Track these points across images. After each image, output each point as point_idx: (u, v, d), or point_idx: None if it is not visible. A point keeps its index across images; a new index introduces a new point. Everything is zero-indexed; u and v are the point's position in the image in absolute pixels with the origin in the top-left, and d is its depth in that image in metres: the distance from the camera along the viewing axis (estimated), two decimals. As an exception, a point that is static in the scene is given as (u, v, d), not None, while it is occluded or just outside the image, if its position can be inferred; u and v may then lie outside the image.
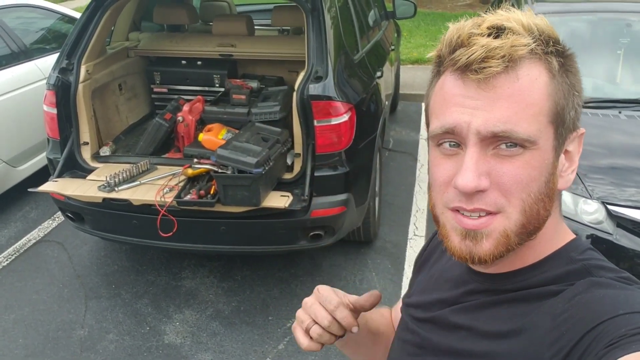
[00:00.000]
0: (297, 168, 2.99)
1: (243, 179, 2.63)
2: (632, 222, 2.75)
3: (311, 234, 3.02)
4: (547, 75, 0.64)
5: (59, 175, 3.06)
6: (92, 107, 3.24)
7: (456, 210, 0.66)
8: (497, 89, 0.62)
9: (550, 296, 0.66)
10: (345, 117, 2.92)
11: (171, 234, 2.82)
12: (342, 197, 3.00)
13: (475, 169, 0.63)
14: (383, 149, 4.16)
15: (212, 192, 2.76)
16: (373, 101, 3.51)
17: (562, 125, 0.66)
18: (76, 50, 3.18)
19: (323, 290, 0.85)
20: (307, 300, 0.85)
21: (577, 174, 2.98)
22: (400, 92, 6.66)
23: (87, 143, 3.18)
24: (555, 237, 0.71)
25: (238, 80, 3.63)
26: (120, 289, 3.44)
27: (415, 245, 3.83)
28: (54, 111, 3.12)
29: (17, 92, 4.19)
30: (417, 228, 4.05)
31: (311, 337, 0.83)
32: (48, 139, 3.25)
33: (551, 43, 0.65)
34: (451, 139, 0.65)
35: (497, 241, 0.65)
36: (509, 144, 0.63)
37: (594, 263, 0.68)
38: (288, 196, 2.82)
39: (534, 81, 0.63)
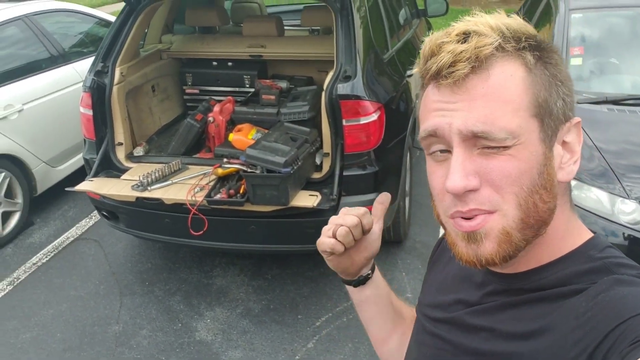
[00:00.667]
0: (326, 167, 3.00)
1: (272, 178, 2.66)
2: (672, 222, 2.66)
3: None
4: (523, 70, 0.64)
5: (95, 175, 3.15)
6: (127, 109, 3.32)
7: (455, 216, 0.66)
8: (470, 91, 0.63)
9: (572, 295, 0.66)
10: (374, 117, 2.91)
11: (202, 232, 2.86)
12: (371, 196, 2.99)
13: (461, 169, 0.63)
14: (414, 148, 4.12)
15: (241, 191, 2.79)
16: (403, 100, 3.49)
17: (548, 116, 0.66)
18: (111, 53, 3.27)
19: (350, 208, 0.91)
20: (334, 217, 0.89)
21: (614, 173, 2.89)
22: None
23: (121, 143, 3.26)
24: (569, 235, 0.70)
25: (267, 80, 3.66)
26: (154, 286, 3.52)
27: (446, 245, 3.78)
28: (90, 112, 3.21)
29: (56, 94, 4.33)
30: (448, 228, 3.99)
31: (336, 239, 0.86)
32: (84, 140, 3.34)
33: (524, 39, 0.65)
34: (439, 144, 0.67)
35: (499, 239, 0.65)
36: (490, 142, 0.63)
37: (614, 261, 0.68)
38: (317, 195, 2.83)
39: (509, 78, 0.64)
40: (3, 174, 3.89)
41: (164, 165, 3.06)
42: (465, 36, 0.64)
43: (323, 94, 2.88)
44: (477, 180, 0.63)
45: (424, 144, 0.68)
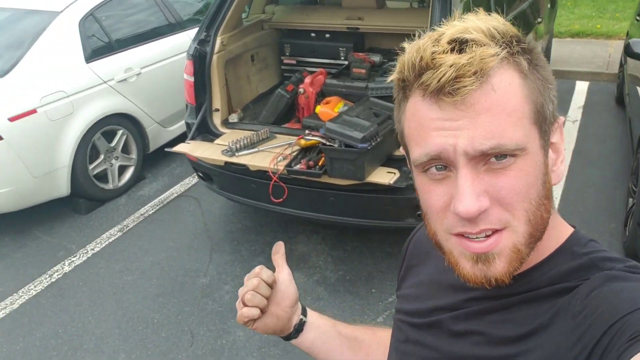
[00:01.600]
0: (409, 145, 2.94)
1: (349, 152, 2.68)
2: None
3: (419, 212, 2.97)
4: (519, 77, 0.61)
5: (192, 138, 3.38)
6: (225, 77, 3.49)
7: (460, 234, 0.64)
8: (474, 106, 0.59)
9: (561, 294, 0.65)
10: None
11: (282, 200, 2.98)
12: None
13: (472, 191, 0.60)
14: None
15: (320, 163, 2.85)
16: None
17: (544, 122, 0.64)
18: (214, 22, 3.44)
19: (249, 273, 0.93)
20: (240, 288, 0.92)
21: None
22: (553, 67, 6.12)
23: (218, 110, 3.45)
24: (553, 233, 0.68)
25: (361, 54, 3.64)
26: (241, 245, 3.73)
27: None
28: (192, 79, 3.42)
29: (171, 60, 4.65)
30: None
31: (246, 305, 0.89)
32: (186, 105, 3.58)
33: (515, 43, 0.61)
34: (438, 164, 0.63)
35: (510, 257, 0.63)
36: (498, 156, 0.60)
37: (599, 255, 0.66)
38: (395, 173, 2.81)
39: (508, 87, 0.60)
40: (121, 131, 4.30)
41: (253, 132, 3.20)
42: (459, 45, 0.59)
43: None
44: (487, 200, 0.61)
45: (421, 164, 0.64)
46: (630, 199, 3.46)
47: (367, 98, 3.07)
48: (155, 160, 4.83)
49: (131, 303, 3.28)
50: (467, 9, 2.99)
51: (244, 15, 3.85)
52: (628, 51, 3.60)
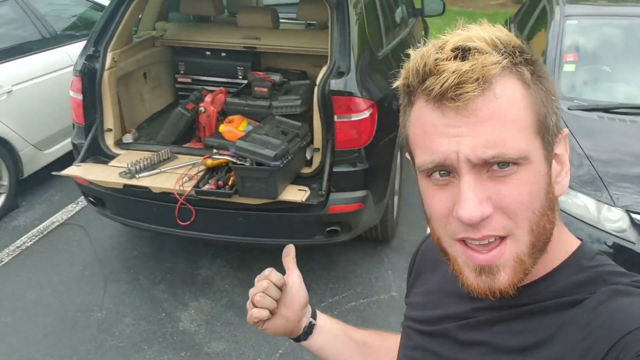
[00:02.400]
0: (316, 163, 2.99)
1: (261, 171, 2.65)
2: (657, 231, 2.68)
3: (328, 229, 3.02)
4: (521, 87, 0.62)
5: (83, 160, 3.12)
6: (117, 95, 3.29)
7: (463, 240, 0.64)
8: (477, 112, 0.60)
9: (567, 307, 0.65)
10: (366, 114, 2.90)
11: (189, 222, 2.85)
12: (360, 193, 2.99)
13: (475, 197, 0.61)
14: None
15: (230, 183, 2.78)
16: (396, 99, 3.47)
17: (547, 132, 0.64)
18: (103, 37, 3.23)
19: (259, 275, 0.96)
20: (251, 289, 0.95)
21: (602, 181, 2.90)
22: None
23: (110, 130, 3.23)
24: (560, 245, 0.69)
25: (261, 73, 3.64)
26: (139, 274, 3.50)
27: (432, 245, 3.80)
28: (80, 97, 3.17)
29: (46, 77, 4.28)
30: (435, 228, 4.01)
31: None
32: (73, 124, 3.31)
33: (517, 53, 0.62)
34: (442, 169, 0.64)
35: (514, 269, 0.64)
36: (501, 164, 0.61)
37: (606, 269, 0.67)
38: (306, 190, 2.83)
39: (510, 96, 0.61)
40: (-11, 155, 3.85)
41: (153, 153, 3.04)
42: (462, 52, 0.60)
43: (316, 89, 2.87)
44: (490, 206, 0.61)
45: (425, 169, 0.65)
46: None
47: (273, 117, 3.07)
48: (30, 186, 4.38)
49: (15, 348, 2.92)
50: (361, 33, 3.12)
51: (133, 31, 3.67)
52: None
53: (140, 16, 3.73)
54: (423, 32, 5.82)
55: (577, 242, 0.71)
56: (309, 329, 0.99)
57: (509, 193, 0.61)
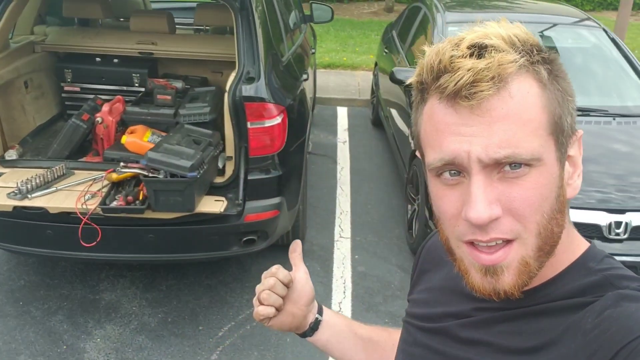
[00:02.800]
0: (229, 171, 2.90)
1: (176, 183, 2.51)
2: None
3: (244, 239, 2.94)
4: (537, 86, 0.61)
5: (-42, 182, 2.73)
6: (-4, 107, 2.93)
7: (471, 242, 0.63)
8: (491, 112, 0.59)
9: (573, 310, 0.64)
10: (278, 120, 2.87)
11: (95, 243, 2.61)
12: (275, 200, 2.95)
13: (484, 198, 0.60)
14: (309, 153, 4.16)
15: (140, 197, 2.60)
16: (301, 104, 3.50)
17: (561, 134, 0.63)
18: (-24, 43, 2.86)
19: (266, 271, 0.94)
20: (257, 285, 0.93)
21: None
22: (316, 95, 6.71)
23: (-10, 146, 2.87)
24: (569, 248, 0.69)
25: (161, 80, 3.45)
26: (30, 305, 3.14)
27: (341, 247, 3.86)
28: (-50, 110, 2.78)
29: None
30: (342, 230, 4.08)
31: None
32: (-58, 141, 2.89)
33: (535, 51, 0.61)
34: (452, 169, 0.63)
35: (518, 270, 0.63)
36: (513, 165, 0.60)
37: (614, 273, 0.66)
38: (223, 201, 2.73)
39: (526, 95, 0.60)
40: None
41: (45, 170, 2.75)
42: (478, 50, 0.59)
43: (226, 95, 2.78)
44: (499, 208, 0.60)
45: (435, 168, 0.64)
46: (410, 206, 3.98)
47: (182, 125, 2.92)
48: None
49: None
50: (266, 38, 3.09)
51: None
52: (392, 78, 4.12)
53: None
54: (313, 38, 5.92)
55: (586, 244, 0.71)
56: (315, 325, 0.98)
57: (519, 195, 0.60)
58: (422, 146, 0.67)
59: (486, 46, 0.59)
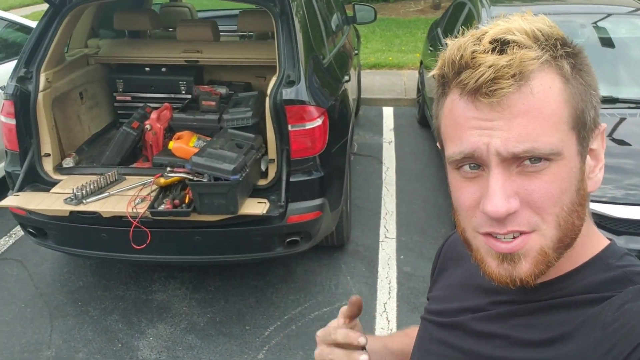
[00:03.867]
0: (271, 174, 2.95)
1: (220, 186, 2.58)
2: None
3: (287, 240, 2.98)
4: (560, 81, 0.61)
5: (20, 189, 2.91)
6: (53, 117, 3.10)
7: (488, 234, 0.64)
8: (511, 108, 0.59)
9: (591, 303, 0.64)
10: (319, 122, 2.90)
11: (144, 245, 2.72)
12: (317, 201, 2.98)
13: (502, 192, 0.60)
14: (352, 154, 4.17)
15: (186, 201, 2.69)
16: (343, 105, 3.52)
17: (583, 128, 0.63)
18: (34, 58, 3.04)
19: (320, 331, 0.85)
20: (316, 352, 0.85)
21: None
22: (361, 96, 6.71)
23: (48, 154, 3.04)
24: (588, 242, 0.69)
25: (206, 86, 3.56)
26: (88, 305, 3.30)
27: (387, 247, 3.85)
28: (13, 122, 2.96)
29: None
30: (387, 230, 4.07)
31: None
32: (6, 151, 3.08)
33: (559, 46, 0.61)
34: (471, 162, 0.63)
35: (536, 260, 0.63)
36: (533, 159, 0.60)
37: (634, 269, 0.66)
38: (265, 203, 2.78)
39: (547, 90, 0.60)
40: None
41: (99, 176, 2.89)
42: (500, 45, 0.59)
43: (267, 99, 2.84)
44: (517, 202, 0.60)
45: (454, 161, 0.64)
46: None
47: (225, 130, 3.00)
48: (-45, 222, 4.04)
49: (-43, 399, 2.66)
50: (306, 41, 3.13)
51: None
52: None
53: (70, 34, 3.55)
54: (356, 39, 5.92)
55: (606, 242, 0.71)
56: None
57: (538, 188, 0.60)
58: (443, 139, 0.68)
59: (508, 42, 0.59)
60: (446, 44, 0.64)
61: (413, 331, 1.01)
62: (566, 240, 0.63)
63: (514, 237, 0.62)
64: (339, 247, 3.76)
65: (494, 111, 0.59)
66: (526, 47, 0.59)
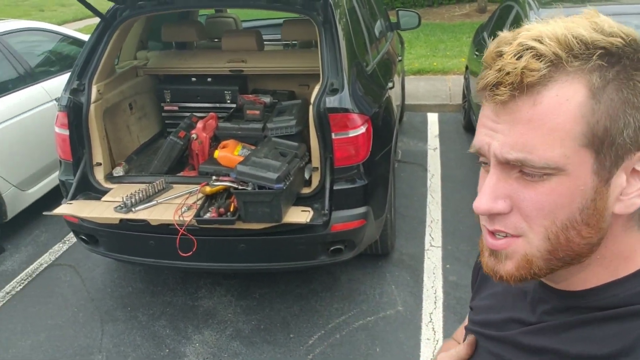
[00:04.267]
0: (315, 182, 2.95)
1: (264, 195, 2.59)
2: None
3: (331, 248, 2.97)
4: (583, 94, 0.57)
5: (73, 198, 3.02)
6: (104, 128, 3.21)
7: (484, 225, 0.66)
8: (515, 114, 0.59)
9: None
10: (362, 129, 2.89)
11: (191, 253, 2.77)
12: (361, 210, 2.96)
13: (491, 192, 0.62)
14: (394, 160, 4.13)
15: (231, 209, 2.72)
16: (387, 112, 3.48)
17: (609, 146, 0.58)
18: (87, 70, 3.15)
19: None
20: None
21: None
22: (405, 102, 6.64)
23: (100, 164, 3.14)
24: (636, 255, 0.65)
25: (250, 95, 3.60)
26: (137, 311, 3.38)
27: (432, 256, 3.78)
28: (66, 132, 3.08)
29: (25, 115, 4.16)
30: (432, 239, 4.00)
31: None
32: (60, 161, 3.20)
33: (596, 56, 0.57)
34: (480, 156, 0.66)
35: (518, 264, 0.64)
36: (525, 169, 0.60)
37: None
38: (309, 211, 2.78)
39: (563, 103, 0.57)
40: (-30, 200, 3.70)
41: (147, 185, 2.96)
42: (523, 51, 0.58)
43: (311, 107, 2.84)
44: (506, 204, 0.61)
45: (471, 152, 0.67)
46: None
47: (269, 139, 3.03)
48: (14, 228, 4.22)
49: (14, 399, 2.77)
50: (350, 49, 3.12)
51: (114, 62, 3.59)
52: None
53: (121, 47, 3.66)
54: (400, 45, 5.88)
55: None
56: None
57: (529, 198, 0.60)
58: None
59: (529, 47, 0.58)
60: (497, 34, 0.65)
61: (451, 345, 0.99)
62: (559, 255, 0.62)
63: (504, 237, 0.64)
64: (383, 255, 3.72)
65: (499, 114, 0.61)
66: (542, 56, 0.57)
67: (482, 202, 0.62)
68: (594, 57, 0.57)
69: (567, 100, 0.57)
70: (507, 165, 0.60)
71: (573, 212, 0.60)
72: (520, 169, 0.60)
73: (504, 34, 0.62)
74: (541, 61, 0.57)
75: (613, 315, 0.64)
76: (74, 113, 3.07)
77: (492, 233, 0.64)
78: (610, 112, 0.57)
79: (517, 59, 0.58)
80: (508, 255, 0.64)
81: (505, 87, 0.58)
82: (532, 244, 0.62)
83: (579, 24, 0.59)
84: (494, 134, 0.61)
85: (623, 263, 0.65)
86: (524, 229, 0.62)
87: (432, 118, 6.52)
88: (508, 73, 0.58)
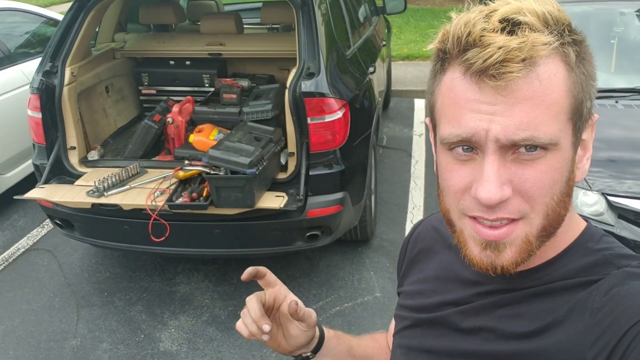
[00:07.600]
0: (291, 167, 2.92)
1: (236, 180, 2.56)
2: (634, 212, 2.71)
3: (308, 234, 2.95)
4: (564, 69, 0.58)
5: (46, 182, 2.98)
6: (79, 111, 3.15)
7: (475, 218, 0.62)
8: (516, 93, 0.56)
9: (576, 289, 0.63)
10: (339, 114, 2.85)
11: (163, 238, 2.74)
12: (338, 195, 2.93)
13: (497, 179, 0.58)
14: (377, 146, 4.10)
15: (204, 194, 2.69)
16: (366, 97, 3.45)
17: (579, 118, 0.61)
18: (60, 52, 3.09)
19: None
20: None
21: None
22: (392, 88, 6.60)
23: (74, 148, 3.09)
24: (569, 229, 0.68)
25: (228, 79, 3.55)
26: (113, 296, 3.36)
27: (413, 242, 3.77)
28: (39, 115, 3.03)
29: (2, 97, 4.09)
30: (414, 225, 3.99)
31: None
32: (34, 145, 3.16)
33: (566, 32, 0.58)
34: (466, 145, 0.61)
35: (520, 248, 0.62)
36: (529, 147, 0.58)
37: (614, 252, 0.66)
38: (283, 196, 2.76)
39: (552, 78, 0.57)
40: (-55, 183, 3.65)
41: (121, 169, 2.92)
42: (511, 25, 0.56)
43: (286, 91, 2.80)
44: (510, 189, 0.59)
45: (449, 142, 0.61)
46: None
47: (245, 123, 2.99)
48: (-9, 213, 4.18)
49: (-15, 384, 2.75)
50: (328, 33, 3.07)
51: (91, 44, 3.53)
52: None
53: (97, 28, 3.60)
54: (386, 31, 5.82)
55: (583, 224, 0.70)
56: (315, 350, 0.92)
57: (531, 177, 0.59)
58: (437, 117, 0.65)
59: (520, 22, 0.56)
60: (451, 17, 0.61)
61: (381, 336, 0.99)
62: (550, 230, 0.63)
63: (501, 224, 0.61)
64: (363, 241, 3.71)
65: (497, 95, 0.57)
66: (537, 31, 0.56)
67: (492, 191, 0.58)
68: (565, 33, 0.58)
69: (555, 75, 0.57)
70: (505, 148, 0.58)
71: (563, 185, 0.61)
72: (515, 150, 0.58)
73: (469, 14, 0.58)
74: (543, 35, 0.56)
75: (543, 292, 0.66)
76: (47, 95, 3.01)
77: (485, 225, 0.61)
78: (583, 86, 0.60)
79: (510, 34, 0.55)
80: (510, 243, 0.61)
81: (516, 64, 0.55)
82: (533, 224, 0.61)
83: (542, 2, 0.58)
84: (491, 118, 0.57)
85: (561, 238, 0.66)
86: (526, 210, 0.60)
87: (419, 104, 6.49)
88: (516, 49, 0.54)
